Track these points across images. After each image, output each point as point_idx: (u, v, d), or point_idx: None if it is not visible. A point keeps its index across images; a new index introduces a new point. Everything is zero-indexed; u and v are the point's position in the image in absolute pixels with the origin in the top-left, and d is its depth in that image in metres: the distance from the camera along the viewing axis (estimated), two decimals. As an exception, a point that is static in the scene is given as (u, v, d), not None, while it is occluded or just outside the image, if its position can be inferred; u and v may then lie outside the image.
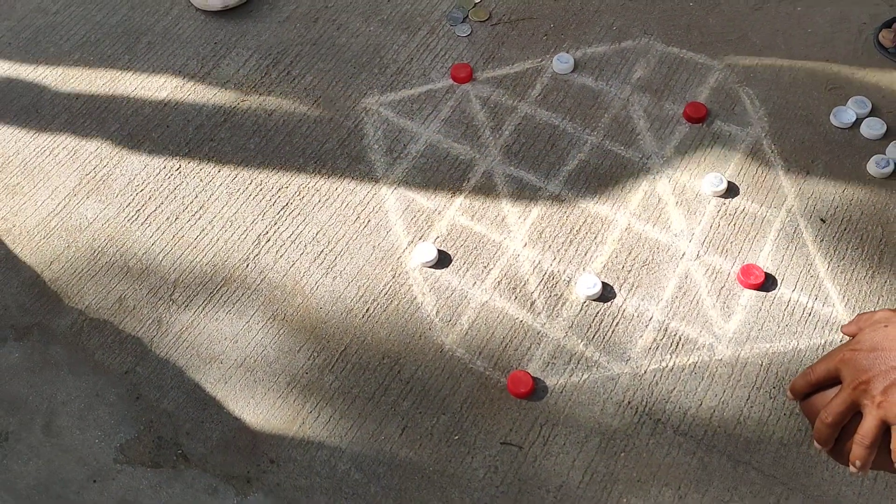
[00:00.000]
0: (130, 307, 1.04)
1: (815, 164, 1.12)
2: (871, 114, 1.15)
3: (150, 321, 1.03)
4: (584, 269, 1.05)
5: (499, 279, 1.04)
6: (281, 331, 1.01)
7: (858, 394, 0.64)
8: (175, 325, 1.02)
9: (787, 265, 1.04)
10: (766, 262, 1.04)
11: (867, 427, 0.63)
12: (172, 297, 1.04)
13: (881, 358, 0.63)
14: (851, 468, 0.65)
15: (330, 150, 1.16)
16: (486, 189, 1.12)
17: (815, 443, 0.67)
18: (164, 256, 1.07)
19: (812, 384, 0.69)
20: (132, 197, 1.12)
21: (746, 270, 1.02)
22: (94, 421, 0.96)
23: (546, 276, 1.04)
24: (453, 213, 1.10)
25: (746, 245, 1.06)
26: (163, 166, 1.15)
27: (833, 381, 0.67)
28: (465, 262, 1.06)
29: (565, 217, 1.09)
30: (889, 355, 0.63)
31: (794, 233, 1.06)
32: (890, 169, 1.09)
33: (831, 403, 0.65)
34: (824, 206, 1.08)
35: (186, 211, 1.11)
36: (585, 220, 1.09)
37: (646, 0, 1.29)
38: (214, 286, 1.05)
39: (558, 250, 1.06)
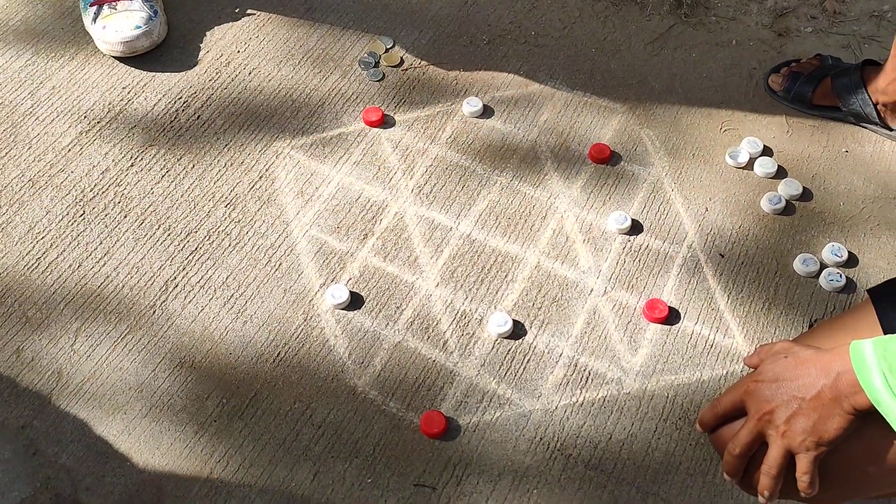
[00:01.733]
0: (28, 359, 1.00)
1: (712, 202, 1.17)
2: (763, 153, 1.21)
3: (50, 373, 0.99)
4: (495, 307, 1.06)
5: (411, 319, 1.05)
6: (189, 378, 0.99)
7: (763, 424, 0.66)
8: (76, 375, 0.99)
9: (689, 299, 1.08)
10: (669, 296, 1.08)
11: (773, 457, 0.65)
12: (74, 346, 1.01)
13: (783, 388, 0.65)
14: (760, 498, 0.67)
15: (240, 193, 1.15)
16: (399, 230, 1.12)
17: (725, 474, 0.69)
18: (65, 305, 1.04)
19: (719, 416, 0.71)
20: (32, 245, 1.09)
21: (651, 305, 1.05)
22: (-14, 480, 0.91)
23: (458, 314, 1.05)
24: (365, 254, 1.10)
25: (651, 280, 1.09)
26: (66, 213, 1.12)
27: (739, 412, 0.69)
28: (377, 304, 1.06)
29: (476, 256, 1.11)
30: (790, 385, 0.65)
31: (695, 267, 1.10)
32: (781, 206, 1.15)
33: (738, 435, 0.67)
34: (722, 241, 1.13)
35: (90, 258, 1.08)
36: (496, 259, 1.10)
37: (551, 46, 1.34)
38: (119, 335, 1.02)
39: (470, 289, 1.08)
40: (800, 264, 1.09)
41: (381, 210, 1.14)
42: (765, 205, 1.16)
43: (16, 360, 0.99)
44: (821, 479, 0.64)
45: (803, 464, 0.64)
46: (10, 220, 1.11)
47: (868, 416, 0.62)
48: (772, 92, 1.27)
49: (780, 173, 1.19)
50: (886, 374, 0.60)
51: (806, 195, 1.17)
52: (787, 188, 1.16)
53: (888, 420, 0.60)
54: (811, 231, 1.14)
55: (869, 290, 0.76)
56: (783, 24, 1.39)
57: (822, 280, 1.09)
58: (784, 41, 1.36)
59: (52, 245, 1.09)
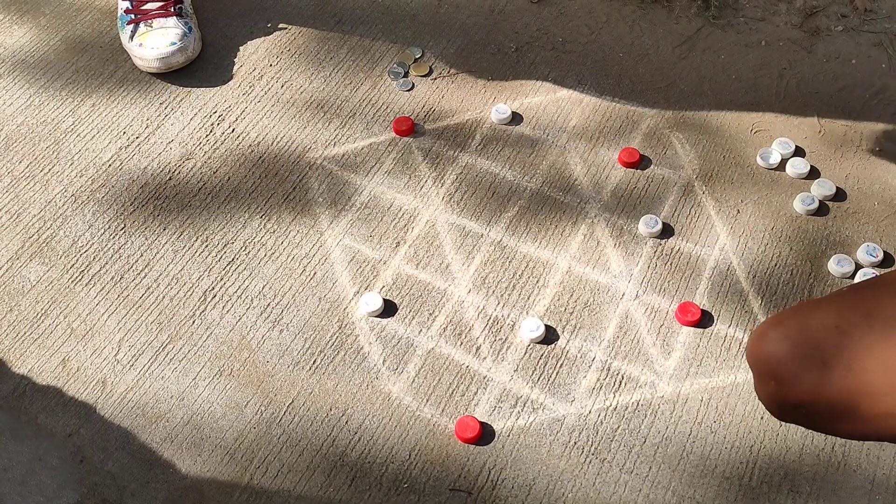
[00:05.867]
0: (74, 369, 1.03)
1: (744, 204, 1.16)
2: (795, 154, 1.20)
3: (95, 382, 1.02)
4: (527, 312, 1.07)
5: (444, 326, 1.06)
6: (228, 386, 1.01)
7: None
8: (120, 385, 1.01)
9: (722, 301, 1.07)
10: (702, 299, 1.07)
11: None
12: (117, 356, 1.04)
13: None
14: None
15: (275, 204, 1.17)
16: (430, 238, 1.14)
17: None
18: (108, 316, 1.07)
19: None
20: (76, 258, 1.12)
21: (684, 308, 1.05)
22: (35, 486, 0.94)
23: (490, 321, 1.06)
24: (398, 262, 1.12)
25: (683, 284, 1.09)
26: (107, 226, 1.15)
27: None
28: (410, 311, 1.07)
29: (507, 262, 1.11)
30: None
31: (727, 270, 1.10)
32: (815, 206, 1.14)
33: None
34: (755, 243, 1.12)
35: (131, 270, 1.11)
36: (527, 265, 1.11)
37: (578, 52, 1.34)
38: (160, 344, 1.05)
39: (501, 295, 1.08)
40: (834, 265, 1.09)
41: (412, 218, 1.16)
42: (798, 206, 1.15)
43: (62, 371, 1.03)
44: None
45: None
46: (54, 234, 1.15)
47: None
48: None
49: (813, 174, 1.19)
50: None
51: (839, 195, 1.16)
52: (821, 188, 1.16)
53: None
54: (845, 231, 1.13)
55: None
56: (813, 23, 1.38)
57: (857, 281, 1.08)
58: (814, 41, 1.35)
59: (94, 258, 1.12)
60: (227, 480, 0.94)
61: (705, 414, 0.99)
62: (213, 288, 1.09)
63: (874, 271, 1.08)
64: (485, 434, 0.97)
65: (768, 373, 0.55)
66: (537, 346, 1.04)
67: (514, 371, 1.02)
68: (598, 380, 1.01)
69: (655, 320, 1.06)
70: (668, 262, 1.11)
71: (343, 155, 1.23)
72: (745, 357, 1.02)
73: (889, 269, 0.78)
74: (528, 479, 0.94)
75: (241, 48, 1.35)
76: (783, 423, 0.97)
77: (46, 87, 1.30)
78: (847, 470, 0.94)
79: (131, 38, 1.29)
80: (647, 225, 1.13)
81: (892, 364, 0.49)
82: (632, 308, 1.07)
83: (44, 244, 1.14)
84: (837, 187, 1.16)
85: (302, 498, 0.93)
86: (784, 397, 0.53)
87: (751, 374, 1.01)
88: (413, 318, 1.07)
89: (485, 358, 1.03)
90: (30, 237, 1.14)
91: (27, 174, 1.21)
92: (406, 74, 1.32)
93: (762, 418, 0.98)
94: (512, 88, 1.30)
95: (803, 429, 0.97)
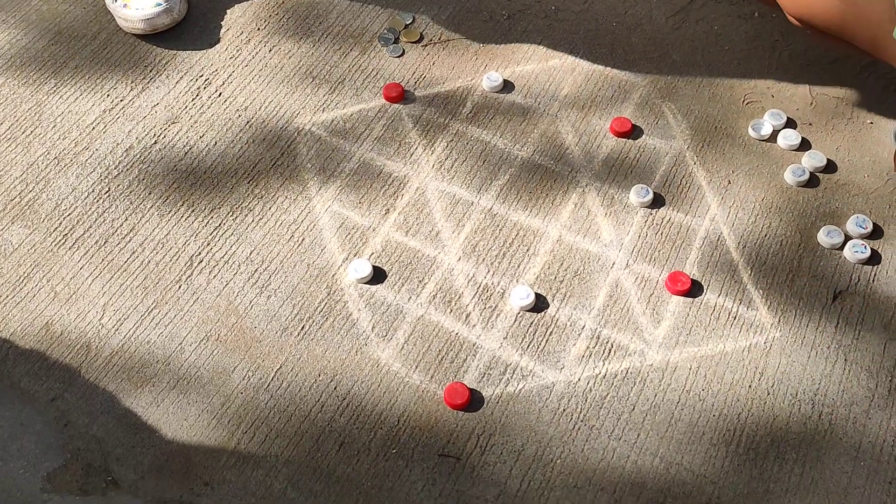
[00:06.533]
0: (58, 333, 1.01)
1: (735, 174, 1.16)
2: (787, 126, 1.20)
3: (79, 346, 1.00)
4: (517, 280, 1.06)
5: (434, 293, 1.05)
6: (215, 351, 1.00)
7: None
8: (105, 349, 1.00)
9: (712, 271, 1.07)
10: (692, 269, 1.07)
11: None
12: (102, 321, 1.02)
13: None
14: None
15: (263, 170, 1.16)
16: (420, 205, 1.13)
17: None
18: (93, 280, 1.05)
19: None
20: (59, 221, 1.10)
21: (674, 277, 1.05)
22: (17, 451, 0.93)
23: (480, 288, 1.06)
24: (387, 229, 1.10)
25: (673, 253, 1.09)
26: (91, 189, 1.13)
27: None
28: (400, 278, 1.06)
29: (498, 230, 1.11)
30: None
31: (717, 240, 1.10)
32: (805, 178, 1.14)
33: None
34: (745, 214, 1.12)
35: (116, 234, 1.09)
36: (518, 233, 1.10)
37: (571, 21, 1.33)
38: (146, 309, 1.03)
39: (492, 263, 1.08)
40: (824, 236, 1.09)
41: (402, 185, 1.14)
42: (788, 177, 1.15)
43: (45, 335, 1.01)
44: None
45: None
46: (36, 197, 1.12)
47: None
48: None
49: (804, 145, 1.18)
50: None
51: (830, 167, 1.16)
52: (811, 160, 1.16)
53: None
54: (835, 203, 1.13)
55: None
56: (806, -5, 1.37)
57: (846, 252, 1.08)
58: (807, 13, 1.34)
59: (78, 221, 1.10)
60: (214, 445, 0.94)
61: (694, 382, 0.99)
62: (200, 253, 1.08)
63: (863, 243, 1.08)
64: (474, 401, 0.97)
65: None
66: (527, 313, 1.04)
67: (504, 338, 1.02)
68: (588, 348, 1.01)
69: (645, 289, 1.06)
70: (659, 232, 1.11)
71: (332, 121, 1.21)
72: (733, 326, 1.02)
73: None
74: (516, 446, 0.94)
75: (228, 11, 1.33)
76: (770, 392, 0.98)
77: (28, 48, 1.27)
78: (833, 437, 0.95)
79: (115, -2, 1.27)
80: (638, 194, 1.12)
81: None
82: (622, 277, 1.07)
83: (26, 206, 1.11)
84: (828, 159, 1.16)
85: (290, 463, 0.93)
86: None
87: (739, 343, 1.02)
88: (402, 285, 1.06)
89: (474, 325, 1.03)
90: (11, 199, 1.12)
91: (8, 136, 1.18)
92: (396, 41, 1.30)
93: (750, 386, 0.98)
94: (504, 56, 1.28)
95: (790, 397, 0.97)
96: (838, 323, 1.03)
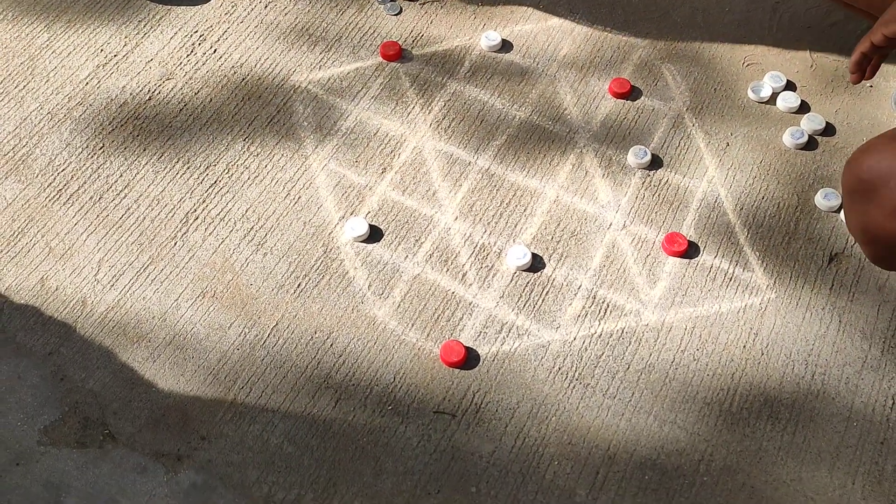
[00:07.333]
0: (53, 288, 1.01)
1: (734, 137, 1.15)
2: (786, 88, 1.19)
3: (74, 301, 1.00)
4: (514, 240, 1.06)
5: (430, 252, 1.05)
6: (211, 308, 1.00)
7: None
8: (100, 305, 1.00)
9: (708, 233, 1.07)
10: (689, 230, 1.07)
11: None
12: (97, 276, 1.02)
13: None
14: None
15: (259, 127, 1.15)
16: (417, 164, 1.12)
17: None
18: (87, 236, 1.05)
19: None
20: (53, 177, 1.09)
21: (670, 239, 1.05)
22: (15, 404, 0.93)
23: (477, 248, 1.06)
24: (384, 188, 1.10)
25: (670, 215, 1.09)
26: (85, 145, 1.12)
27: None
28: (396, 237, 1.06)
29: (495, 190, 1.10)
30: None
31: (714, 202, 1.10)
32: (804, 140, 1.14)
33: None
34: (743, 176, 1.12)
35: (111, 190, 1.09)
36: (515, 193, 1.10)
37: (571, -20, 1.31)
38: (141, 265, 1.03)
39: (489, 223, 1.08)
40: (821, 199, 1.09)
41: (399, 144, 1.14)
42: (787, 139, 1.14)
43: (40, 290, 1.01)
44: None
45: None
46: (30, 152, 1.11)
47: None
48: None
49: (803, 108, 1.18)
50: None
51: (829, 130, 1.16)
52: (810, 123, 1.15)
53: None
54: (833, 166, 1.13)
55: None
56: (809, -43, 1.35)
57: (843, 214, 1.08)
58: (810, -25, 1.33)
59: (72, 177, 1.09)
60: (210, 399, 0.94)
61: (689, 342, 0.99)
62: (196, 210, 1.07)
63: (860, 206, 1.08)
64: (470, 358, 0.97)
65: (869, 187, 0.62)
66: (523, 273, 1.04)
67: (500, 297, 1.02)
68: (584, 307, 1.01)
69: (642, 250, 1.06)
70: (656, 193, 1.10)
71: (328, 79, 1.20)
72: (728, 288, 1.02)
73: None
74: (511, 403, 0.95)
75: (223, -34, 1.30)
76: (764, 352, 0.98)
77: (20, 2, 1.25)
78: (826, 398, 0.96)
79: (108, -49, 1.24)
80: (635, 156, 1.12)
81: None
82: (619, 238, 1.07)
83: (20, 162, 1.10)
84: (827, 122, 1.16)
85: (287, 417, 0.93)
86: (879, 221, 0.60)
87: (734, 304, 1.02)
88: (399, 244, 1.06)
89: (471, 284, 1.03)
90: (5, 154, 1.11)
91: (1, 90, 1.16)
92: (394, -2, 1.28)
93: (744, 347, 0.99)
94: (502, 15, 1.27)
95: (784, 357, 0.98)
96: (833, 285, 1.03)
